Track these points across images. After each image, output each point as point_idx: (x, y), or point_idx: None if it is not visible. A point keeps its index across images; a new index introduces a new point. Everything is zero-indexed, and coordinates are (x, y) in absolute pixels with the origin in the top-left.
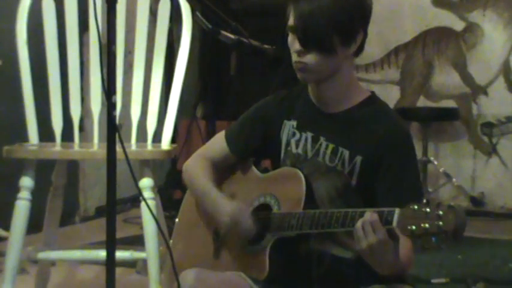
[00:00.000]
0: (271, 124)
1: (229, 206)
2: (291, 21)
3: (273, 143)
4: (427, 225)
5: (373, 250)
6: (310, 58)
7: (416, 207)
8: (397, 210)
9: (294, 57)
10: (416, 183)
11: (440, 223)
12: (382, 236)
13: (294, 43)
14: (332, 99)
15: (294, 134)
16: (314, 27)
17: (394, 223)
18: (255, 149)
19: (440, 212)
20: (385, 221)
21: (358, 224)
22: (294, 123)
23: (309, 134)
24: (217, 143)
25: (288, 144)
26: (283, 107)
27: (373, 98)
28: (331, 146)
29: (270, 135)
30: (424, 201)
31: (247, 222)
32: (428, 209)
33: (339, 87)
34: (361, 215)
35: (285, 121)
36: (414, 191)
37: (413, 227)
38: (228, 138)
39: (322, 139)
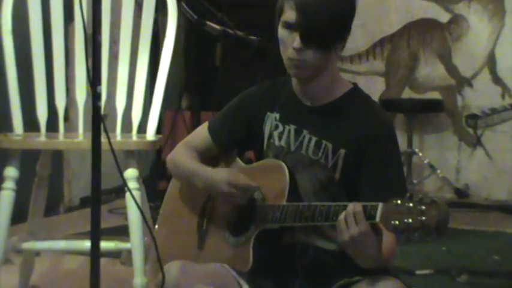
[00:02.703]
0: (254, 116)
1: (222, 172)
2: (289, 17)
3: (256, 135)
4: (410, 220)
5: (355, 242)
6: (308, 55)
7: (399, 202)
8: (380, 205)
9: (290, 54)
10: (399, 176)
11: (423, 218)
12: (364, 228)
13: (291, 39)
14: (316, 93)
15: (276, 127)
16: (318, 25)
17: (377, 218)
18: (238, 140)
19: (423, 207)
20: (368, 215)
21: (341, 216)
22: (277, 115)
23: (292, 127)
24: (201, 134)
25: (270, 136)
26: (266, 99)
27: (355, 90)
28: (314, 139)
29: (253, 126)
30: (408, 195)
31: (245, 181)
32: (411, 204)
33: (325, 82)
34: (345, 208)
35: (268, 113)
36: (397, 185)
37: (397, 222)
38: (211, 129)
39: (305, 132)
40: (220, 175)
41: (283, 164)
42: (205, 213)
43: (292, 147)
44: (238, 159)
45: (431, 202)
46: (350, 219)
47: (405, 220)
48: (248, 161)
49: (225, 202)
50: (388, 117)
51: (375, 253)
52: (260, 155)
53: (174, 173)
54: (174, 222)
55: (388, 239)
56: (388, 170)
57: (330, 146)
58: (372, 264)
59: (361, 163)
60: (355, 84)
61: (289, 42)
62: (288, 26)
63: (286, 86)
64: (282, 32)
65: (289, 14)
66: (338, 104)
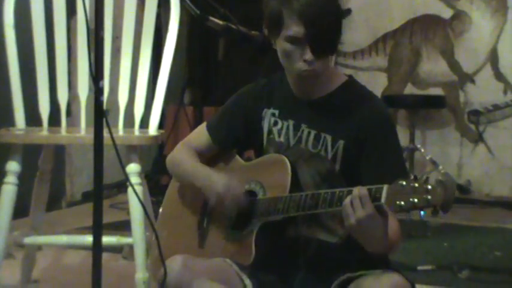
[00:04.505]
0: (251, 113)
1: (222, 178)
2: (295, 31)
3: (255, 132)
4: (415, 199)
5: (361, 225)
6: (319, 64)
7: (404, 182)
8: (385, 187)
9: (302, 66)
10: (400, 160)
11: (429, 197)
12: (371, 210)
13: (299, 53)
14: (313, 88)
15: (275, 123)
16: (327, 36)
17: (383, 199)
18: (237, 138)
19: (429, 186)
20: (374, 197)
21: (347, 200)
22: (275, 111)
23: (291, 122)
24: (200, 134)
25: (269, 132)
26: (263, 96)
27: (351, 82)
28: (313, 132)
29: (251, 124)
30: (412, 177)
31: (240, 194)
32: (416, 184)
33: (322, 77)
34: (349, 193)
35: (266, 109)
36: (398, 169)
37: (402, 202)
38: (210, 129)
39: (303, 126)
40: (221, 179)
41: (285, 158)
42: (206, 211)
43: (292, 142)
44: (238, 157)
45: (437, 181)
46: (356, 202)
47: (410, 200)
48: (248, 160)
49: (218, 209)
50: (383, 105)
51: (381, 235)
52: (260, 152)
53: (173, 173)
54: (174, 222)
55: (392, 223)
56: (388, 155)
57: (329, 138)
58: (379, 248)
59: (361, 152)
60: (350, 76)
61: (298, 56)
62: (295, 40)
63: (282, 82)
64: (286, 46)
65: (295, 29)
66: (334, 96)
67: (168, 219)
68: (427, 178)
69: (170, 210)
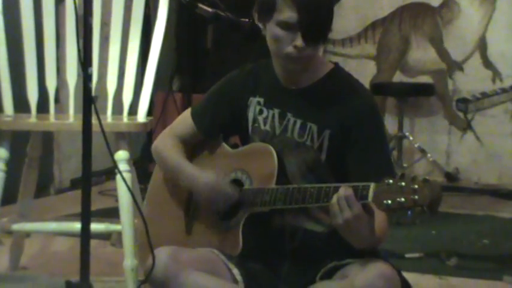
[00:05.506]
0: (237, 100)
1: (206, 177)
2: (288, 16)
3: (240, 120)
4: (402, 199)
5: (348, 225)
6: (309, 51)
7: (391, 181)
8: (372, 185)
9: (292, 52)
10: (385, 154)
11: (416, 197)
12: (357, 211)
13: (290, 38)
14: (300, 77)
15: (261, 111)
16: (320, 24)
17: (370, 198)
18: (222, 126)
19: (416, 186)
20: (361, 196)
21: (334, 199)
22: (261, 100)
23: (276, 111)
24: (184, 121)
25: (254, 120)
26: (248, 83)
27: (337, 70)
28: (299, 121)
29: (236, 111)
30: (399, 175)
31: (227, 190)
32: (403, 183)
33: (310, 66)
34: (336, 190)
35: (251, 98)
36: (383, 163)
37: (389, 202)
38: (195, 116)
39: (289, 115)
40: (204, 179)
41: (271, 148)
42: (193, 198)
43: (278, 131)
44: (224, 144)
45: (424, 181)
46: (342, 202)
47: (398, 199)
48: (234, 146)
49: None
50: (370, 95)
51: (368, 233)
52: (245, 140)
53: (158, 163)
54: (160, 208)
55: (379, 218)
56: (373, 148)
57: (315, 127)
58: (366, 245)
59: (346, 143)
60: (336, 64)
61: (288, 41)
62: (287, 26)
63: (268, 69)
64: (276, 30)
65: (288, 14)
66: (320, 85)
67: (154, 204)
68: (414, 178)
69: (156, 195)
